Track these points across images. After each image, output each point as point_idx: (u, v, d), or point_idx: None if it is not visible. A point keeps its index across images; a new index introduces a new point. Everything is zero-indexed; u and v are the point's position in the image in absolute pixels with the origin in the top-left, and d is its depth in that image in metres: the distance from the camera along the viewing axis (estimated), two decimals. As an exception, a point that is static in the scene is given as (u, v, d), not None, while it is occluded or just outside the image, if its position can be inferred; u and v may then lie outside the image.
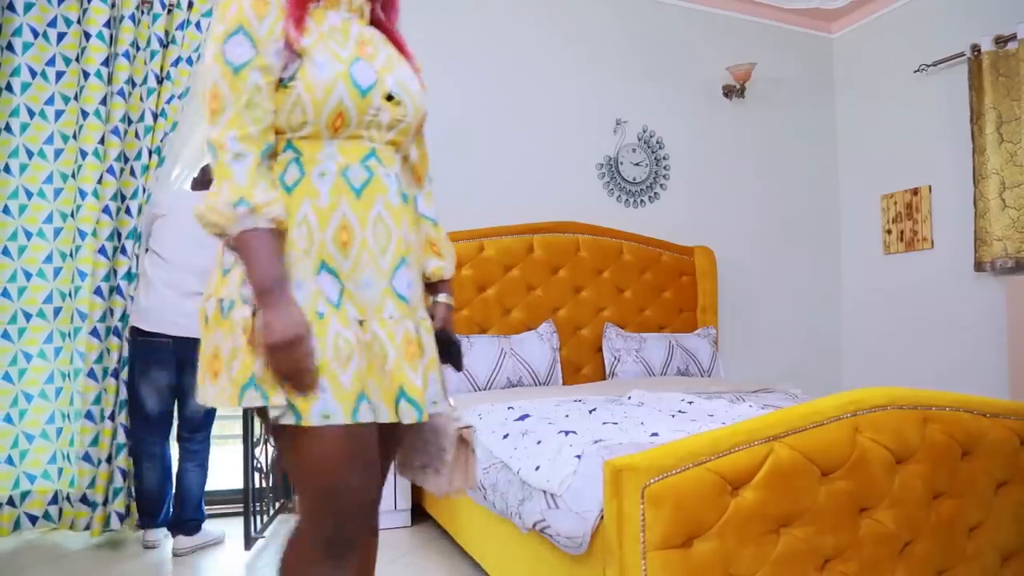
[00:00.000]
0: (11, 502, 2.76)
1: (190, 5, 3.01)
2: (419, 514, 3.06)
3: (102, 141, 2.86)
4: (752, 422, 1.52)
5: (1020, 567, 1.75)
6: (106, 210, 2.85)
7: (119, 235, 2.89)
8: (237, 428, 3.27)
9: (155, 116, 2.96)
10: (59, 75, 2.89)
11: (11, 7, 2.81)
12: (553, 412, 2.32)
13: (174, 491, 2.74)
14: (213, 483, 3.11)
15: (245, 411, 2.68)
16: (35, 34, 2.85)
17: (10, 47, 2.82)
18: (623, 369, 3.48)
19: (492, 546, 2.20)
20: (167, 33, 3.00)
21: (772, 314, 4.23)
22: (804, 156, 4.36)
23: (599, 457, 1.68)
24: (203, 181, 2.95)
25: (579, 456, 1.76)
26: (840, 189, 4.41)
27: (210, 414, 2.78)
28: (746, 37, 4.20)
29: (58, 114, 2.89)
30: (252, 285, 1.08)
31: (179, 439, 2.76)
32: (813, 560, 1.51)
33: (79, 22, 2.89)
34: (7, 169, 2.81)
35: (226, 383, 1.09)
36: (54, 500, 2.83)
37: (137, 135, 2.94)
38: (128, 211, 2.91)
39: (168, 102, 2.98)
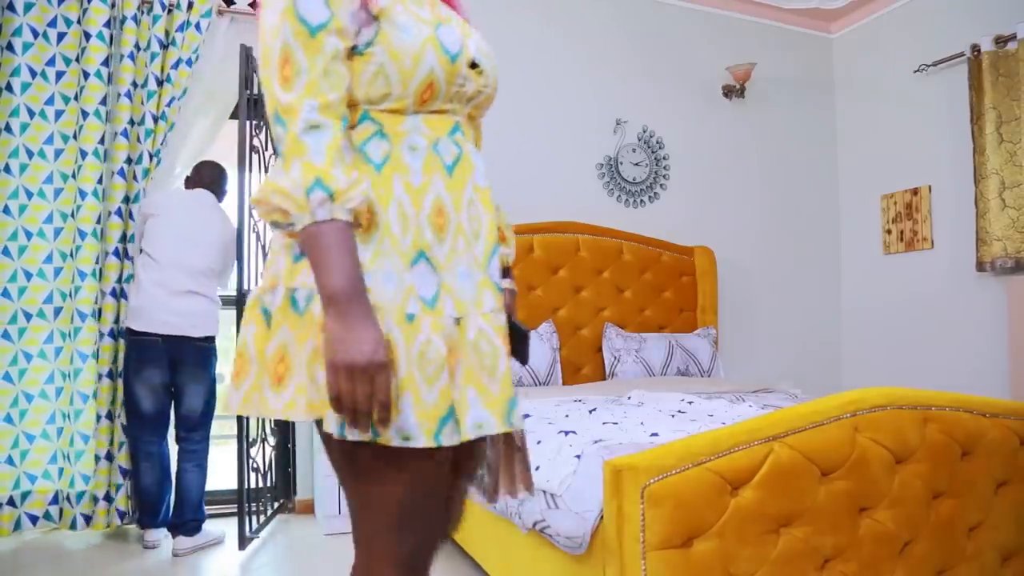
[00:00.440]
0: (12, 502, 2.77)
1: (190, 6, 3.01)
2: (419, 514, 3.05)
3: (102, 141, 2.87)
4: (752, 422, 1.52)
5: (1020, 567, 1.75)
6: (118, 212, 2.89)
7: (125, 236, 2.92)
8: (233, 428, 3.26)
9: (155, 119, 2.97)
10: (59, 75, 2.89)
11: (11, 7, 2.81)
12: (553, 412, 2.32)
13: (173, 491, 2.74)
14: (210, 483, 3.12)
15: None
16: (35, 34, 2.86)
17: (10, 47, 2.82)
18: (623, 369, 3.48)
19: (492, 546, 2.20)
20: (167, 34, 3.00)
21: (772, 314, 4.23)
22: (804, 156, 4.36)
23: (599, 457, 1.68)
24: (197, 179, 2.91)
25: (579, 456, 1.76)
26: (840, 189, 4.41)
27: (207, 414, 2.77)
28: (746, 37, 4.20)
29: (58, 114, 2.89)
30: (322, 290, 0.88)
31: (177, 439, 2.77)
32: (813, 560, 1.51)
33: (79, 22, 2.89)
34: (7, 169, 2.82)
35: (298, 392, 0.91)
36: (55, 500, 2.83)
37: (139, 138, 2.95)
38: (131, 215, 2.93)
39: (168, 105, 2.98)
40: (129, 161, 2.93)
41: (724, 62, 4.07)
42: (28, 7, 2.84)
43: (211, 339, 2.77)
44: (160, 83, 2.98)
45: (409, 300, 0.94)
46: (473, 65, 1.04)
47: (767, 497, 1.46)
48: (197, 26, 3.01)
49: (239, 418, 2.70)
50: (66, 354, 2.86)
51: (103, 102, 2.86)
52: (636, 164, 3.94)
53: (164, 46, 2.99)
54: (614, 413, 2.26)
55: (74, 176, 2.87)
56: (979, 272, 3.50)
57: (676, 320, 3.83)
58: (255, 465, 2.88)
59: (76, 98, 2.89)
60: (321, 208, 0.88)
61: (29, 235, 2.84)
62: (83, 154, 2.83)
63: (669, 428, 1.95)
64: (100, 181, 2.86)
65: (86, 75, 2.85)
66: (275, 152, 0.95)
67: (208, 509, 3.02)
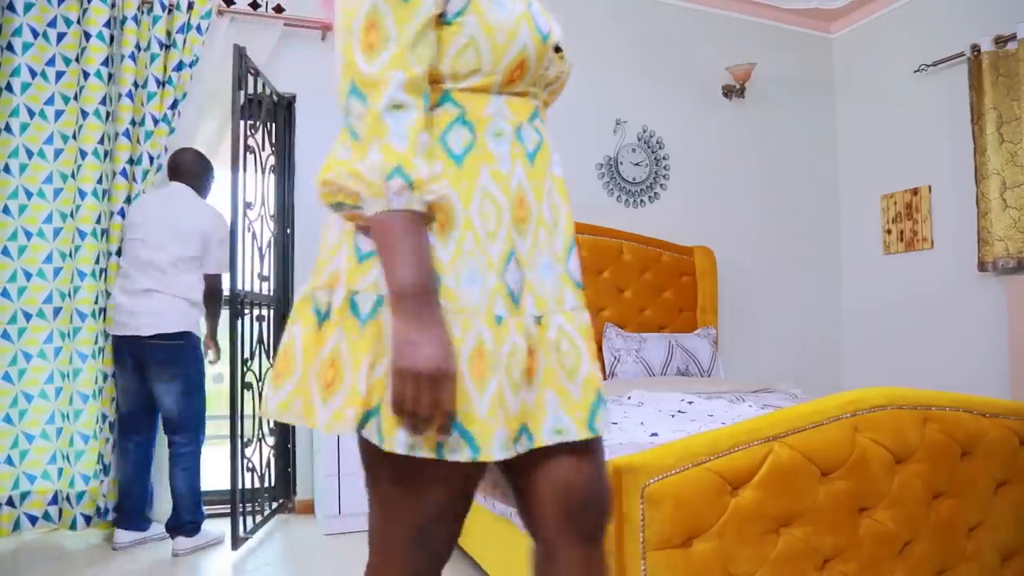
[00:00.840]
0: (11, 502, 2.77)
1: (190, 6, 3.02)
2: (419, 514, 3.05)
3: (102, 141, 2.87)
4: (752, 422, 1.52)
5: (1020, 567, 1.75)
6: (120, 212, 2.90)
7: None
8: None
9: (156, 121, 2.97)
10: (59, 75, 2.89)
11: (11, 7, 2.81)
12: (553, 412, 2.32)
13: (171, 493, 2.73)
14: (207, 483, 3.11)
15: (236, 407, 2.67)
16: (35, 34, 2.86)
17: (10, 47, 2.82)
18: (623, 369, 3.48)
19: (492, 546, 2.20)
20: (168, 34, 3.00)
21: (772, 314, 4.23)
22: (804, 156, 4.36)
23: (598, 457, 1.67)
24: (174, 170, 2.82)
25: (578, 456, 1.76)
26: (840, 189, 4.41)
27: (187, 416, 2.69)
28: (746, 37, 4.20)
29: (58, 114, 2.89)
30: (391, 285, 0.82)
31: (168, 442, 2.75)
32: (813, 560, 1.51)
33: (79, 22, 2.89)
34: (7, 169, 2.82)
35: (347, 404, 0.84)
36: (54, 500, 2.83)
37: (139, 140, 2.95)
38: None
39: (171, 107, 2.98)
40: (131, 162, 2.93)
41: (724, 62, 4.07)
42: (28, 7, 2.84)
43: (176, 336, 2.64)
44: (161, 84, 2.98)
45: (496, 300, 0.88)
46: (557, 49, 1.00)
47: (767, 497, 1.46)
48: (198, 28, 3.01)
49: (232, 417, 2.68)
50: (66, 354, 2.86)
51: (103, 102, 2.87)
52: (636, 164, 3.94)
53: (165, 47, 2.99)
54: (614, 413, 2.26)
55: (74, 176, 2.87)
56: (980, 272, 3.50)
57: (676, 320, 3.83)
58: (250, 465, 2.88)
59: (76, 98, 2.89)
60: (399, 197, 0.81)
61: (29, 235, 2.84)
62: (83, 154, 2.84)
63: (669, 428, 1.95)
64: (100, 181, 2.86)
65: (86, 75, 2.85)
66: (350, 130, 0.85)
67: (205, 509, 3.03)
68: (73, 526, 2.79)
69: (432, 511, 0.92)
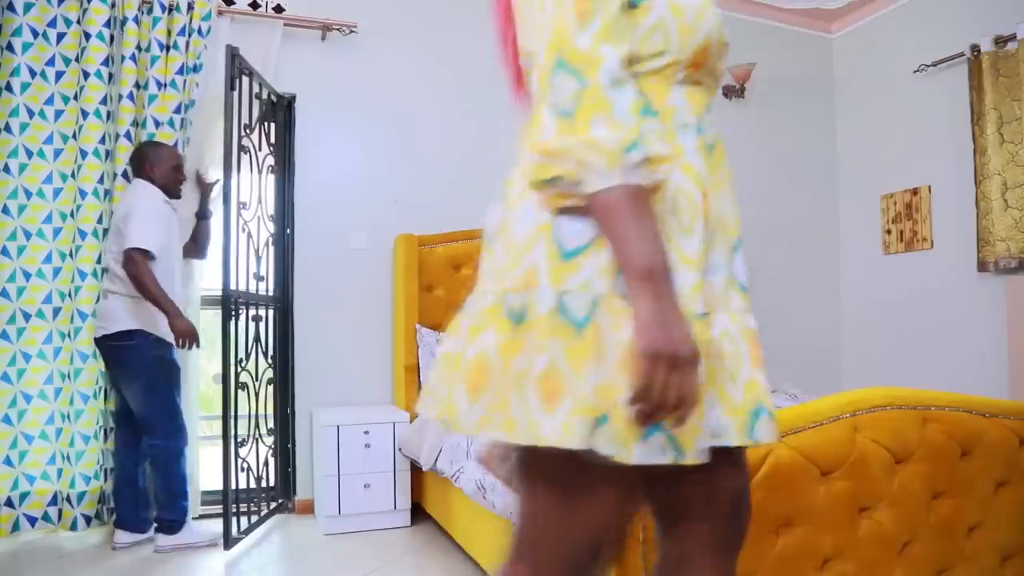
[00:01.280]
0: (10, 503, 2.76)
1: (190, 7, 3.02)
2: (419, 514, 3.06)
3: (102, 141, 2.87)
4: (751, 422, 1.52)
5: (1019, 567, 1.75)
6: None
7: None
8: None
9: (158, 123, 2.97)
10: (59, 75, 2.89)
11: (11, 7, 2.81)
12: (553, 412, 2.32)
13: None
14: (206, 483, 3.11)
15: (229, 407, 2.66)
16: (35, 34, 2.85)
17: (10, 47, 2.82)
18: (623, 369, 3.48)
19: (492, 546, 2.20)
20: (169, 34, 3.00)
21: (772, 314, 4.23)
22: (804, 156, 4.36)
23: (598, 457, 1.67)
24: (138, 166, 2.74)
25: (578, 456, 1.76)
26: (840, 189, 4.41)
27: (151, 416, 2.63)
28: (746, 37, 4.19)
29: (58, 114, 2.89)
30: (634, 263, 0.76)
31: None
32: (812, 560, 1.51)
33: (79, 22, 2.89)
34: (7, 169, 2.81)
35: (572, 414, 0.77)
36: (53, 501, 2.83)
37: (140, 141, 2.95)
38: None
39: (176, 111, 2.98)
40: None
41: (724, 62, 4.07)
42: (28, 7, 2.84)
43: (125, 336, 2.59)
44: (162, 86, 2.98)
45: (697, 298, 0.85)
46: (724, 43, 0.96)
47: (767, 497, 1.46)
48: (199, 30, 3.01)
49: (224, 418, 2.66)
50: (65, 354, 2.86)
51: (103, 102, 2.87)
52: (636, 164, 3.94)
53: (165, 48, 2.99)
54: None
55: (74, 176, 2.87)
56: (980, 272, 3.50)
57: (676, 320, 3.82)
58: (245, 465, 2.87)
59: (76, 98, 2.89)
60: (635, 171, 0.76)
61: (28, 235, 2.84)
62: (83, 154, 2.83)
63: (669, 428, 1.95)
64: (100, 181, 2.86)
65: (86, 75, 2.84)
66: (556, 109, 0.78)
67: (202, 509, 3.02)
68: (73, 527, 2.79)
69: (611, 521, 0.87)
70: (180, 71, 2.99)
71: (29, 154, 2.85)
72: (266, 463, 3.10)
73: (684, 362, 0.75)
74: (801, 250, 4.32)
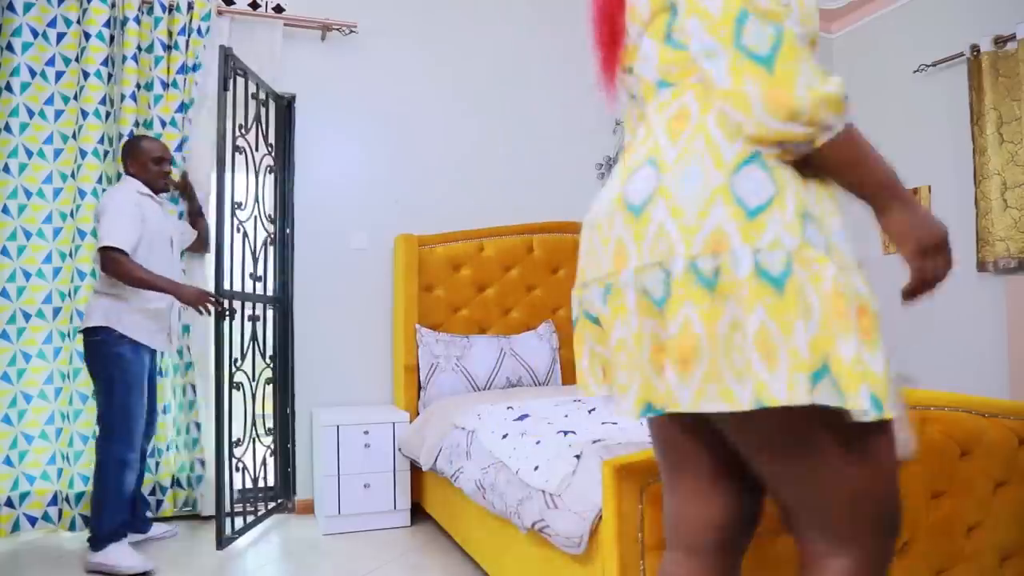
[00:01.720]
0: (10, 503, 2.77)
1: (190, 7, 3.02)
2: (419, 514, 3.06)
3: (102, 141, 2.87)
4: (751, 422, 1.52)
5: (1019, 567, 1.75)
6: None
7: None
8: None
9: (163, 123, 2.97)
10: (59, 75, 2.89)
11: (11, 7, 2.81)
12: (552, 412, 2.32)
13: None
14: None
15: (223, 407, 2.64)
16: (35, 34, 2.86)
17: (10, 47, 2.82)
18: (623, 369, 3.48)
19: (491, 546, 2.20)
20: (170, 35, 3.00)
21: (772, 314, 4.23)
22: (804, 156, 4.35)
23: (598, 457, 1.68)
24: (123, 163, 2.70)
25: (578, 456, 1.76)
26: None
27: (103, 417, 2.52)
28: (746, 37, 4.20)
29: (58, 114, 2.89)
30: (882, 182, 0.89)
31: None
32: (812, 560, 1.50)
33: (79, 22, 2.89)
34: (7, 169, 2.82)
35: (794, 372, 0.79)
36: (53, 501, 2.83)
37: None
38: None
39: (179, 111, 2.98)
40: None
41: (724, 62, 4.07)
42: (28, 7, 2.84)
43: (90, 332, 2.52)
44: (166, 86, 2.98)
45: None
46: None
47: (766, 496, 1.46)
48: (199, 30, 3.01)
49: (218, 418, 2.64)
50: (65, 354, 2.86)
51: (103, 102, 2.87)
52: (636, 164, 3.95)
53: (167, 48, 2.99)
54: (613, 413, 2.26)
55: (74, 176, 2.87)
56: (980, 272, 3.50)
57: (676, 320, 3.83)
58: (240, 465, 2.87)
59: (76, 98, 2.89)
60: (847, 114, 0.86)
61: (28, 235, 2.84)
62: (83, 154, 2.84)
63: (668, 428, 1.95)
64: (100, 181, 2.86)
65: (86, 75, 2.85)
66: (754, 57, 0.83)
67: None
68: (72, 527, 2.79)
69: (895, 460, 0.91)
70: (181, 70, 2.99)
71: (29, 154, 2.85)
72: (263, 463, 3.10)
73: (945, 244, 0.89)
74: (801, 250, 4.32)
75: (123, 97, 2.90)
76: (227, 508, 2.68)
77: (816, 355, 0.80)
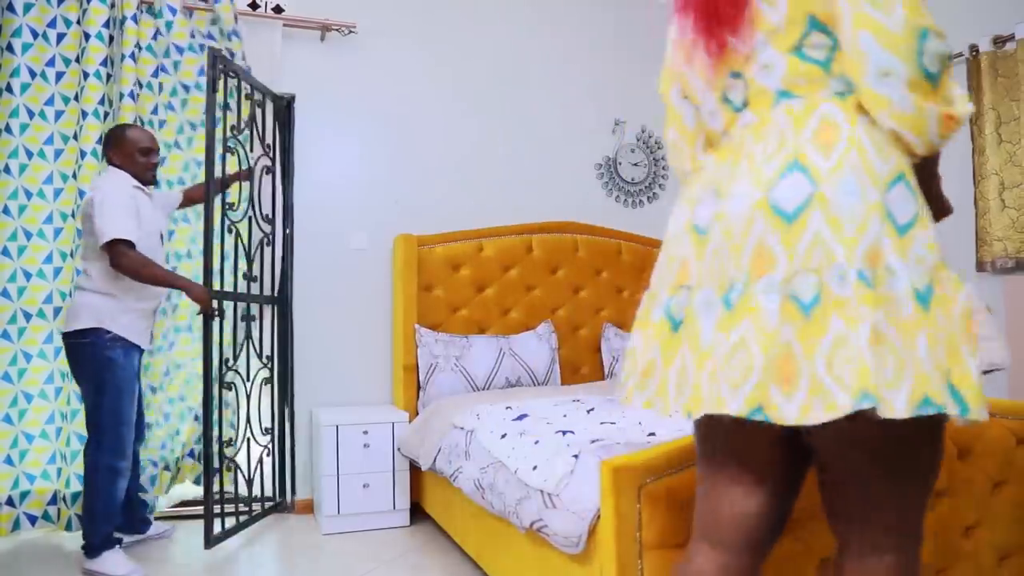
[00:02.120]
0: (10, 502, 2.77)
1: (190, 14, 3.03)
2: (418, 513, 3.06)
3: (100, 141, 2.87)
4: (749, 422, 1.53)
5: (1017, 566, 1.76)
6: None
7: None
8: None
9: (162, 124, 2.98)
10: (59, 76, 2.89)
11: (10, 8, 2.81)
12: (551, 412, 2.33)
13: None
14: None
15: (211, 409, 2.64)
16: (35, 35, 2.86)
17: (10, 48, 2.82)
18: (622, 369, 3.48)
19: (490, 545, 2.21)
20: (157, 34, 3.01)
21: (771, 314, 4.23)
22: (803, 156, 4.36)
23: (596, 457, 1.68)
24: (104, 153, 2.59)
25: (576, 456, 1.77)
26: (839, 189, 4.41)
27: (93, 422, 2.45)
28: (745, 37, 4.20)
29: (58, 115, 2.89)
30: (939, 198, 0.98)
31: None
32: (810, 559, 1.51)
33: (79, 23, 2.90)
34: (7, 170, 2.82)
35: (919, 383, 0.84)
36: (53, 500, 2.84)
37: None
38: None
39: (169, 108, 2.99)
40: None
41: (723, 62, 4.07)
42: (27, 8, 2.84)
43: (78, 335, 2.43)
44: (160, 88, 2.99)
45: None
46: None
47: (764, 497, 1.46)
48: (192, 34, 3.02)
49: (205, 418, 2.62)
50: (65, 354, 2.86)
51: (102, 102, 2.87)
52: (635, 164, 3.95)
53: (166, 50, 3.00)
54: (612, 413, 2.26)
55: (74, 176, 2.87)
56: (978, 272, 3.50)
57: (675, 320, 3.83)
58: (232, 465, 2.89)
59: (76, 98, 2.89)
60: None
61: (29, 235, 2.85)
62: (83, 154, 2.84)
63: (667, 428, 1.96)
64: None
65: (85, 75, 2.85)
66: (927, 73, 0.88)
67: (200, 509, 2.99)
68: (69, 527, 2.80)
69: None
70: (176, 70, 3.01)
71: (29, 155, 2.85)
72: (259, 463, 3.10)
73: None
74: (800, 250, 4.32)
75: (122, 96, 2.90)
76: (214, 508, 2.65)
77: (946, 369, 0.85)
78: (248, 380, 3.03)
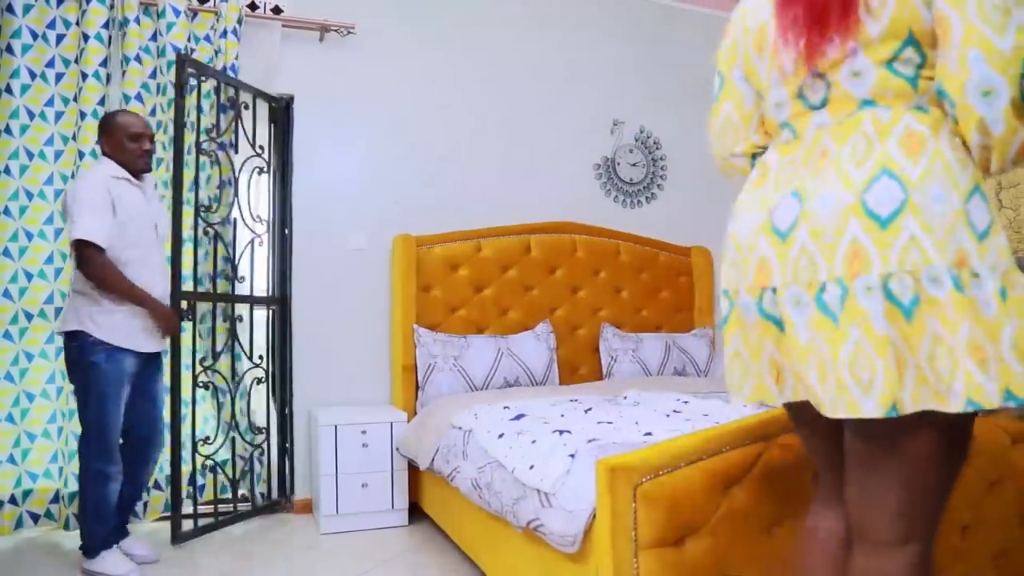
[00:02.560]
0: (13, 500, 2.79)
1: (194, 16, 3.04)
2: (416, 513, 3.07)
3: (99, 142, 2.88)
4: (744, 422, 1.54)
5: (1011, 566, 1.77)
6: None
7: None
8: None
9: (161, 124, 2.99)
10: (58, 77, 2.90)
11: (10, 9, 2.82)
12: (549, 412, 2.34)
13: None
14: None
15: (179, 407, 2.66)
16: (34, 36, 2.87)
17: (9, 49, 2.83)
18: (620, 369, 3.50)
19: (488, 545, 2.22)
20: (157, 35, 3.02)
21: (769, 314, 4.24)
22: (801, 156, 4.36)
23: (592, 456, 1.69)
24: (105, 127, 2.47)
25: (572, 455, 1.78)
26: (837, 189, 4.42)
27: (83, 425, 2.40)
28: (743, 38, 4.21)
29: (58, 116, 2.90)
30: None
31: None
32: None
33: (78, 24, 2.91)
34: (7, 171, 2.83)
35: (1002, 374, 0.90)
36: (55, 499, 2.85)
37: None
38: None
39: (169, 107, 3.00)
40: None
41: (721, 63, 4.08)
42: (27, 9, 2.85)
43: (67, 336, 2.38)
44: (157, 89, 3.00)
45: None
46: None
47: (759, 496, 1.48)
48: (191, 37, 3.03)
49: (174, 416, 2.64)
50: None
51: (101, 103, 2.88)
52: (633, 164, 3.96)
53: (176, 49, 3.01)
54: (609, 413, 2.27)
55: (73, 177, 2.88)
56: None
57: (673, 320, 3.84)
58: (211, 463, 2.92)
59: (75, 99, 2.90)
60: None
61: (30, 236, 2.86)
62: (81, 155, 2.85)
63: (664, 428, 1.97)
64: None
65: (84, 76, 2.86)
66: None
67: (204, 508, 3.01)
68: (66, 526, 2.81)
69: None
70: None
71: (30, 156, 2.87)
72: (246, 462, 3.11)
73: None
74: (798, 250, 4.33)
75: (129, 99, 2.91)
76: (185, 506, 2.71)
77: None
78: (233, 380, 3.04)
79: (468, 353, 3.22)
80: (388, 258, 3.44)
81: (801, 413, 1.15)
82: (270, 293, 3.32)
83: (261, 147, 3.21)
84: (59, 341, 2.87)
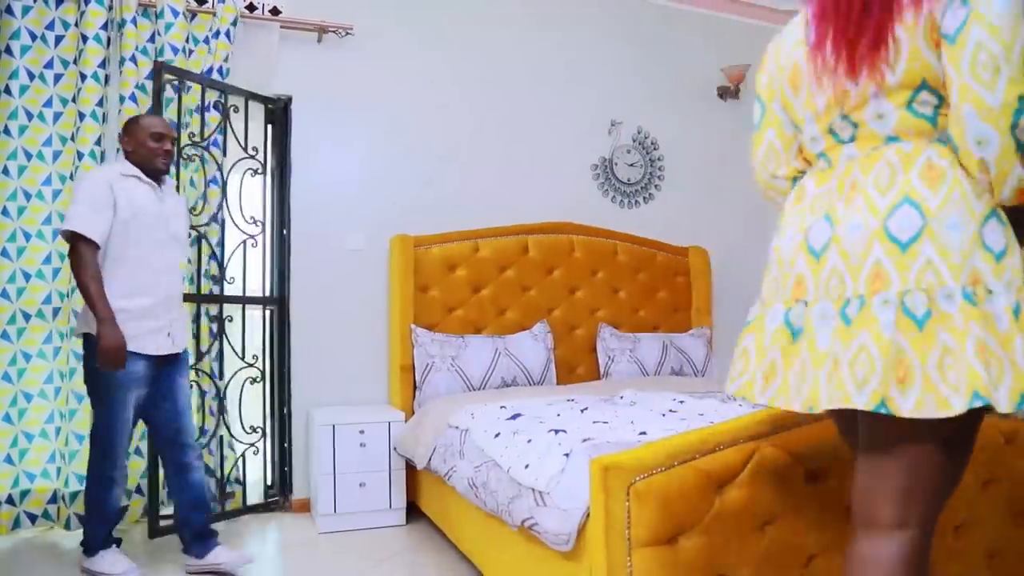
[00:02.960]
0: (10, 500, 2.80)
1: (193, 16, 3.05)
2: (414, 512, 3.08)
3: (99, 143, 2.89)
4: (738, 421, 1.55)
5: (1005, 565, 1.77)
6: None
7: None
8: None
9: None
10: (57, 78, 2.91)
11: (9, 10, 2.83)
12: (545, 411, 2.34)
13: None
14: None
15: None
16: (33, 37, 2.88)
17: (8, 50, 2.84)
18: (617, 369, 3.51)
19: (484, 544, 2.23)
20: (155, 36, 3.02)
21: (767, 314, 4.24)
22: (799, 157, 4.37)
23: (587, 455, 1.70)
24: (129, 127, 2.46)
25: (567, 454, 1.79)
26: (835, 189, 4.42)
27: (92, 427, 2.40)
28: (741, 38, 4.22)
29: (56, 116, 2.91)
30: None
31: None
32: (797, 557, 1.53)
33: (76, 25, 2.91)
34: (6, 171, 2.84)
35: (1016, 380, 0.97)
36: (53, 499, 2.86)
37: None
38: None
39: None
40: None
41: (719, 63, 4.09)
42: (26, 10, 2.86)
43: (85, 338, 2.38)
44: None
45: None
46: None
47: (752, 495, 1.48)
48: (188, 38, 3.04)
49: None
50: (64, 354, 2.88)
51: (100, 104, 2.89)
52: (631, 165, 3.96)
53: (173, 50, 3.01)
54: (605, 412, 2.28)
55: (72, 178, 2.89)
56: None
57: (670, 320, 3.85)
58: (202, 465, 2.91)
59: (74, 100, 2.91)
60: None
61: (28, 236, 2.87)
62: (80, 156, 2.86)
63: (659, 427, 1.97)
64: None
65: (83, 77, 2.86)
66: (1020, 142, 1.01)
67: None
68: (67, 526, 2.82)
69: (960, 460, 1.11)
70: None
71: (28, 156, 2.87)
72: (240, 460, 3.12)
73: None
74: (796, 250, 4.33)
75: (124, 99, 2.92)
76: (158, 502, 2.71)
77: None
78: (222, 379, 3.04)
79: (466, 353, 3.23)
80: (386, 258, 3.45)
81: (850, 423, 1.21)
82: (268, 293, 3.33)
83: (255, 148, 3.22)
84: (57, 341, 2.89)
